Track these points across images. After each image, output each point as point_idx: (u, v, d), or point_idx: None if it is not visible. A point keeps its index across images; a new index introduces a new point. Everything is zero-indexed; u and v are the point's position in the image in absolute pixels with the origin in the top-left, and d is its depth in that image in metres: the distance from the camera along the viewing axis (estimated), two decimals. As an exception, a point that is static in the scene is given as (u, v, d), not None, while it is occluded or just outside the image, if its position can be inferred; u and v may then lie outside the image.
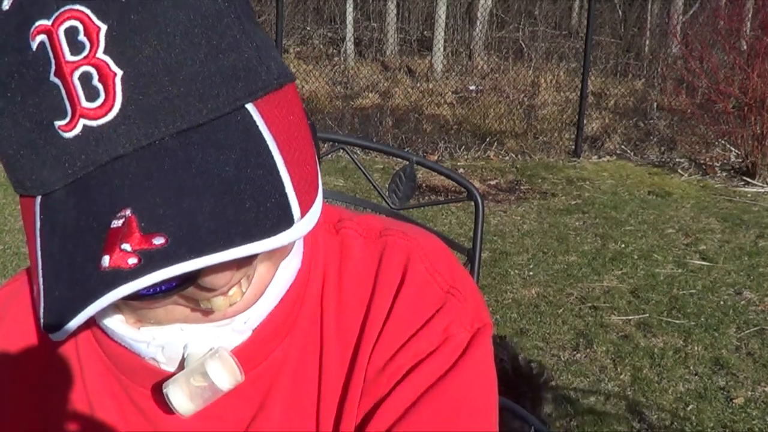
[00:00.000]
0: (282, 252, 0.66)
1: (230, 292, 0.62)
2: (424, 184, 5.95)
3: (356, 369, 0.70)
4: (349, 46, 11.03)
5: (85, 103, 0.53)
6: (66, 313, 0.52)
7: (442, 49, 10.40)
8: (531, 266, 4.61)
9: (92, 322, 0.69)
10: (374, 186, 1.63)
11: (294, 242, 0.68)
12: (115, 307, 0.66)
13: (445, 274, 0.73)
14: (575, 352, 3.59)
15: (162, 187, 0.52)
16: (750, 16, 8.24)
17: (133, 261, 0.50)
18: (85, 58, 0.53)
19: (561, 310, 4.01)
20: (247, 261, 0.61)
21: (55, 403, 0.71)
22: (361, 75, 10.21)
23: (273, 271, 0.67)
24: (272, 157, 0.55)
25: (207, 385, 0.65)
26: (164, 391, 0.66)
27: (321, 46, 11.72)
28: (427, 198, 5.69)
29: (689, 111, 7.29)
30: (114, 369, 0.70)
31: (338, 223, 0.75)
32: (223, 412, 0.70)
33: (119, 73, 0.53)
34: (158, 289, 0.56)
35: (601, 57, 10.84)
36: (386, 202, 1.59)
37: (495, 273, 4.47)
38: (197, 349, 0.67)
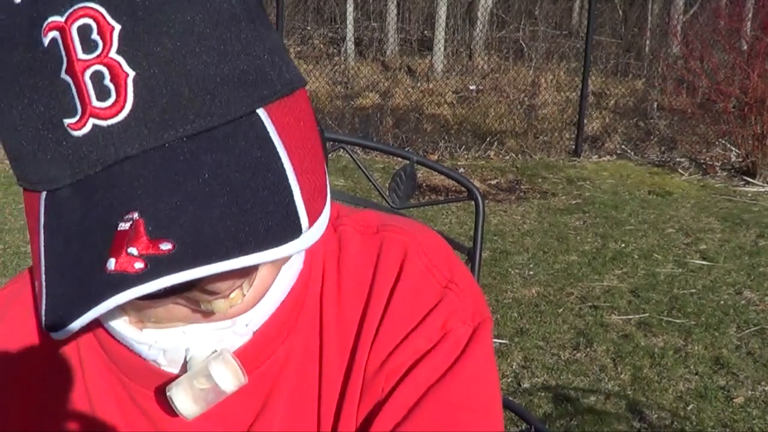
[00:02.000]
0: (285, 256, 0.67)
1: (231, 295, 0.62)
2: (424, 184, 5.95)
3: (355, 367, 0.70)
4: (350, 45, 11.03)
5: (95, 103, 0.53)
6: (69, 314, 0.51)
7: (442, 49, 10.40)
8: (531, 266, 4.62)
9: (95, 322, 0.69)
10: (374, 185, 1.63)
11: None
12: (119, 308, 0.65)
13: (443, 269, 0.72)
14: (575, 352, 3.59)
15: (170, 192, 0.52)
16: (750, 16, 8.23)
17: (139, 266, 0.49)
18: (97, 57, 0.52)
19: (561, 310, 4.01)
20: (252, 267, 0.61)
21: (55, 403, 0.71)
22: (362, 75, 10.21)
23: (275, 273, 0.66)
24: (282, 164, 0.54)
25: (210, 388, 0.65)
26: (168, 394, 0.66)
27: (321, 46, 11.73)
28: (427, 197, 5.69)
29: (689, 111, 7.29)
30: (116, 369, 0.70)
31: (336, 220, 0.75)
32: (225, 412, 0.69)
33: (131, 74, 0.52)
34: (161, 291, 0.55)
35: (602, 57, 10.84)
36: (386, 201, 1.59)
37: (495, 272, 4.48)
38: (199, 352, 0.66)
